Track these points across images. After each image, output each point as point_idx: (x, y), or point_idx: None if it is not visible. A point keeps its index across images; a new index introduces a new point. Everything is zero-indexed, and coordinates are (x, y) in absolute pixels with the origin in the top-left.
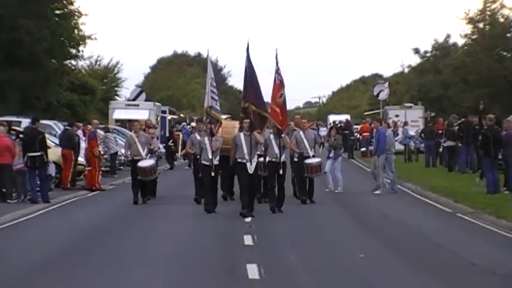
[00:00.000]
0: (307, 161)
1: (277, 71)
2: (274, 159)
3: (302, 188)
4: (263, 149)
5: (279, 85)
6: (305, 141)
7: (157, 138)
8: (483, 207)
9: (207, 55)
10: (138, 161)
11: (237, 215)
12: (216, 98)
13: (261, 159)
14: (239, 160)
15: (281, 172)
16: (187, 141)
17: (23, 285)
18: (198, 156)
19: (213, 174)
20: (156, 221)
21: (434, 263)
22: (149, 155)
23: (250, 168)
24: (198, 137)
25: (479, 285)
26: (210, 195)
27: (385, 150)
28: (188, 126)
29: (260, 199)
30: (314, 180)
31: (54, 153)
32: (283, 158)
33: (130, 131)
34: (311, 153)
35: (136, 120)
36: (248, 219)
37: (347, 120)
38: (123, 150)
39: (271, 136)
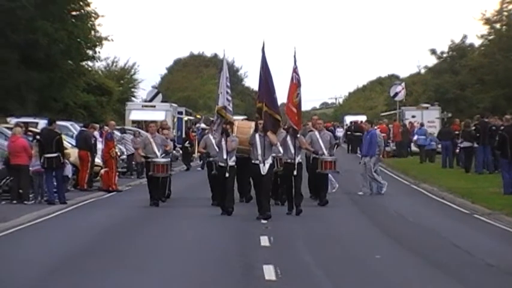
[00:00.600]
0: (322, 157)
1: (295, 70)
2: (289, 160)
3: (315, 188)
4: (279, 149)
5: (296, 84)
6: (320, 142)
7: (174, 140)
8: (500, 208)
9: (223, 55)
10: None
11: (253, 216)
12: (230, 98)
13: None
14: (253, 161)
15: (295, 173)
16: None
17: (37, 286)
18: (211, 158)
19: (227, 175)
20: (172, 222)
21: (450, 264)
22: (163, 155)
23: (263, 169)
24: (212, 138)
25: (496, 285)
26: (226, 196)
27: (375, 151)
28: (196, 126)
29: (276, 200)
30: (328, 178)
31: (72, 154)
32: (298, 159)
33: (147, 131)
34: (326, 154)
35: (153, 121)
36: (264, 221)
37: (356, 122)
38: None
39: (288, 137)
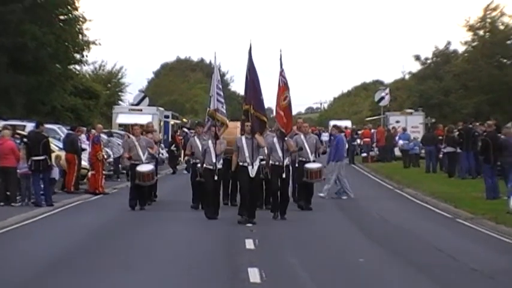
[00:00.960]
0: (307, 165)
1: (281, 73)
2: (277, 163)
3: (300, 193)
4: (266, 152)
5: (283, 87)
6: (306, 145)
7: (160, 143)
8: (483, 213)
9: (214, 58)
10: (137, 165)
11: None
12: (222, 100)
13: (263, 162)
14: (240, 163)
15: (284, 176)
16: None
17: (26, 286)
18: (196, 161)
19: (216, 178)
20: (157, 226)
21: (434, 267)
22: (149, 158)
23: (252, 171)
24: (198, 141)
25: None
26: (212, 200)
27: (342, 156)
28: (183, 129)
29: (262, 205)
30: (313, 185)
31: (59, 157)
32: (286, 161)
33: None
34: (311, 158)
35: (136, 124)
36: (249, 224)
37: (334, 126)
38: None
39: (275, 139)
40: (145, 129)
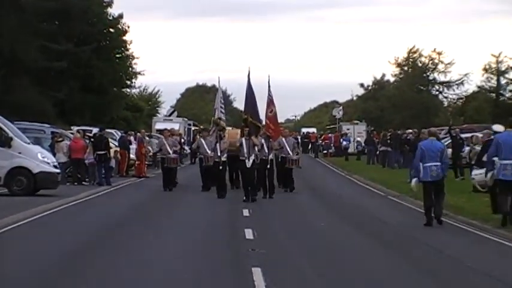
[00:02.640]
0: (289, 156)
1: (269, 93)
2: (264, 157)
3: (284, 181)
4: (257, 150)
5: (269, 103)
6: (286, 145)
7: (183, 143)
8: (406, 192)
9: (218, 81)
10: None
11: (240, 199)
12: (223, 111)
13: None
14: (241, 158)
15: (268, 166)
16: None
17: (100, 237)
18: (202, 156)
19: (220, 167)
20: (180, 199)
21: (366, 226)
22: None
23: (248, 163)
24: (203, 141)
25: (407, 244)
26: (220, 184)
27: None
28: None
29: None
30: (292, 172)
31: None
32: (270, 156)
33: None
34: (291, 154)
35: (166, 129)
36: (245, 212)
37: (308, 133)
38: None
39: (263, 141)
40: (172, 132)
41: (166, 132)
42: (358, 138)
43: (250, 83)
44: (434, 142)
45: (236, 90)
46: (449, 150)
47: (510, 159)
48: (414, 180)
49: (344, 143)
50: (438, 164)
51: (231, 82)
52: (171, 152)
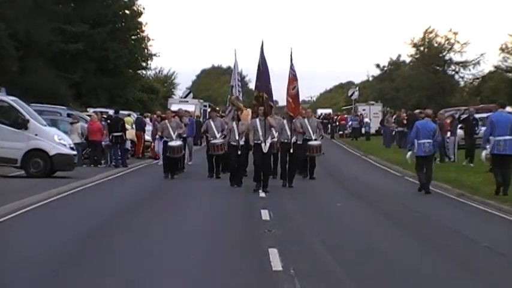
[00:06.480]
0: (310, 142)
1: (291, 67)
2: (286, 140)
3: (303, 167)
4: (275, 132)
5: (292, 79)
6: (309, 127)
7: (185, 126)
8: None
9: (235, 54)
10: (168, 141)
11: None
12: (240, 90)
13: (275, 139)
14: (255, 141)
15: (291, 151)
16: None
17: (116, 214)
18: (211, 139)
19: (239, 152)
20: (188, 185)
21: (387, 208)
22: (178, 137)
23: (265, 148)
24: (212, 123)
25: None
26: (237, 171)
27: None
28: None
29: (273, 176)
30: (315, 158)
31: (130, 133)
32: (293, 139)
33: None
34: (314, 137)
35: (169, 109)
36: (262, 194)
37: (326, 114)
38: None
39: (284, 121)
40: (177, 114)
41: (169, 113)
42: (366, 119)
43: (264, 57)
44: (429, 122)
45: (252, 72)
46: (460, 132)
47: (502, 135)
48: (409, 153)
49: (350, 122)
50: (430, 141)
51: (246, 63)
52: (174, 136)
